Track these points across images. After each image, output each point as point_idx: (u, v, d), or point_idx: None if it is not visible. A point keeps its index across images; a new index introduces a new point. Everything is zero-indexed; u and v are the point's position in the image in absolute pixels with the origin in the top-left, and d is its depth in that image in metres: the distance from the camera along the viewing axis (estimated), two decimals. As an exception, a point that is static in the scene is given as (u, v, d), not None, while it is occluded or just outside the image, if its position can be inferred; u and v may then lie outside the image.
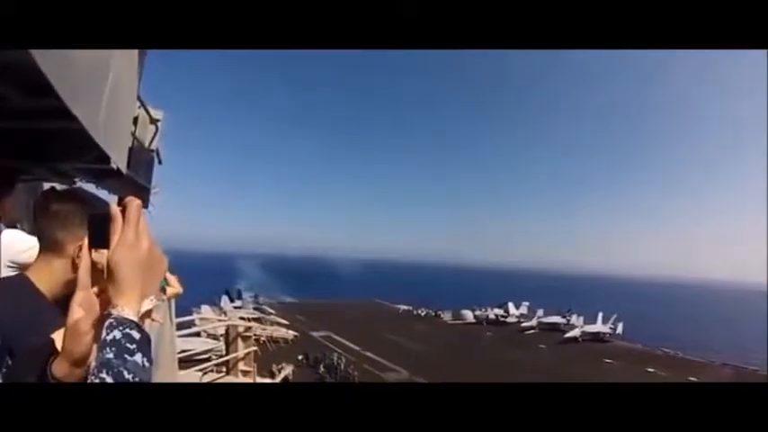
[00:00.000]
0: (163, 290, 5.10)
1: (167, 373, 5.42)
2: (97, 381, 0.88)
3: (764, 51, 1.26)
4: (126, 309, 0.98)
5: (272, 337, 36.85)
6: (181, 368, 7.79)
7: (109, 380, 0.88)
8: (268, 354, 30.98)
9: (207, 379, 9.74)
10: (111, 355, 0.91)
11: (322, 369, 29.66)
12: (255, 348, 11.56)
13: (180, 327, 8.51)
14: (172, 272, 5.33)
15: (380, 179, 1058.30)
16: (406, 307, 67.63)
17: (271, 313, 48.98)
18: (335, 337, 42.71)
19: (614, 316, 52.47)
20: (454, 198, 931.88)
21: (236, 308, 46.44)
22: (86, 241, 1.07)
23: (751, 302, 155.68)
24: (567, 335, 47.15)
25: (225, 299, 49.42)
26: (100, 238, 1.04)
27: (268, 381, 15.20)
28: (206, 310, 36.47)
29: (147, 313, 1.05)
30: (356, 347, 38.36)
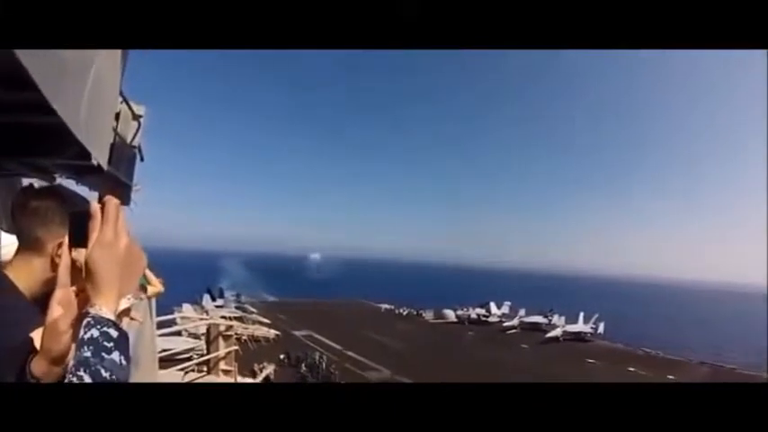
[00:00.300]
0: (144, 288, 5.06)
1: (147, 372, 5.36)
2: (75, 379, 0.88)
3: (764, 51, 1.28)
4: (104, 307, 0.99)
5: (253, 336, 36.72)
6: (161, 368, 7.71)
7: (86, 378, 0.88)
8: (249, 353, 30.80)
9: (188, 378, 9.65)
10: (88, 354, 0.91)
11: (303, 368, 29.52)
12: (237, 348, 11.48)
13: (161, 326, 8.43)
14: (154, 271, 5.29)
15: (361, 178, 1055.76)
16: (388, 306, 67.86)
17: (253, 312, 48.70)
18: (317, 336, 42.64)
19: (595, 316, 52.95)
20: (451, 198, 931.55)
21: (217, 307, 46.09)
22: (66, 239, 1.07)
23: (727, 303, 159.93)
24: (549, 334, 47.49)
25: (206, 298, 48.87)
26: (80, 236, 1.04)
27: (249, 380, 15.11)
28: (187, 309, 36.01)
29: (126, 311, 1.06)
30: (338, 346, 38.30)
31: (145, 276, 5.10)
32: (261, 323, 43.06)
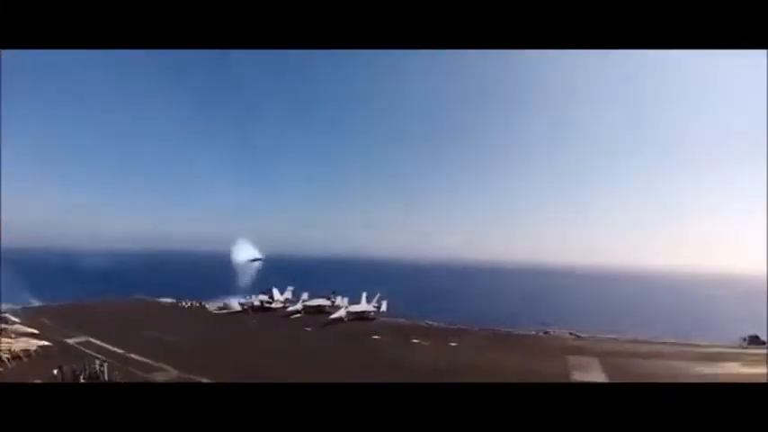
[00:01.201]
0: None
1: None
2: None
3: (764, 51, 1.46)
4: None
5: (11, 351, 31.16)
6: None
7: None
8: (10, 372, 26.43)
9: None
10: None
11: (83, 380, 26.35)
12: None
13: None
14: None
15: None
16: (170, 300, 64.64)
17: (15, 322, 40.97)
18: (95, 341, 38.37)
19: (378, 295, 55.93)
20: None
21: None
22: None
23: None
24: (333, 316, 49.57)
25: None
26: None
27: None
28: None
29: None
30: (119, 350, 35.06)
31: None
32: (25, 334, 36.67)
